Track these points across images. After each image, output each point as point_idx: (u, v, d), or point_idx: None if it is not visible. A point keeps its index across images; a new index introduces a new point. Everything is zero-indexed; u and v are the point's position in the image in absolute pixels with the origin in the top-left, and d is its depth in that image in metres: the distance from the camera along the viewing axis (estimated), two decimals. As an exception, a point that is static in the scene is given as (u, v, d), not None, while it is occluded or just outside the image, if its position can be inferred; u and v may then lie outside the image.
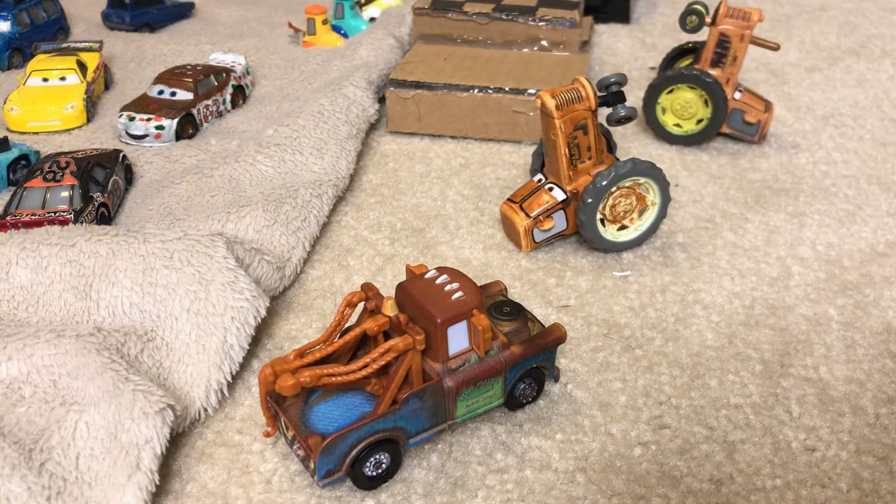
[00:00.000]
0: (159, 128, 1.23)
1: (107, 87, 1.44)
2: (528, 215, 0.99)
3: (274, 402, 0.71)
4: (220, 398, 0.79)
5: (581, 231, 0.99)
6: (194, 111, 1.27)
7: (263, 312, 0.83)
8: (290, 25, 1.68)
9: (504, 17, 1.41)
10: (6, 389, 0.74)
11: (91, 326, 0.78)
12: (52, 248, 0.84)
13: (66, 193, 1.00)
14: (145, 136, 1.23)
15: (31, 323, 0.82)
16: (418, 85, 1.27)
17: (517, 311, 0.79)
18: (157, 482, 0.68)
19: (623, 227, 1.01)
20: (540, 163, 1.06)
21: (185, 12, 1.81)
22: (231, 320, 0.80)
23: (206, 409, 0.78)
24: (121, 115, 1.24)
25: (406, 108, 1.29)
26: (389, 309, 0.72)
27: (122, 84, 1.47)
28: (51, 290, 0.84)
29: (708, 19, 1.21)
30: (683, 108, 1.24)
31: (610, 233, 1.00)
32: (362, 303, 0.78)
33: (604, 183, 0.96)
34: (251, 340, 0.83)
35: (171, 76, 1.31)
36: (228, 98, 1.34)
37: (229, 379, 0.79)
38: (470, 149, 1.27)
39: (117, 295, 0.82)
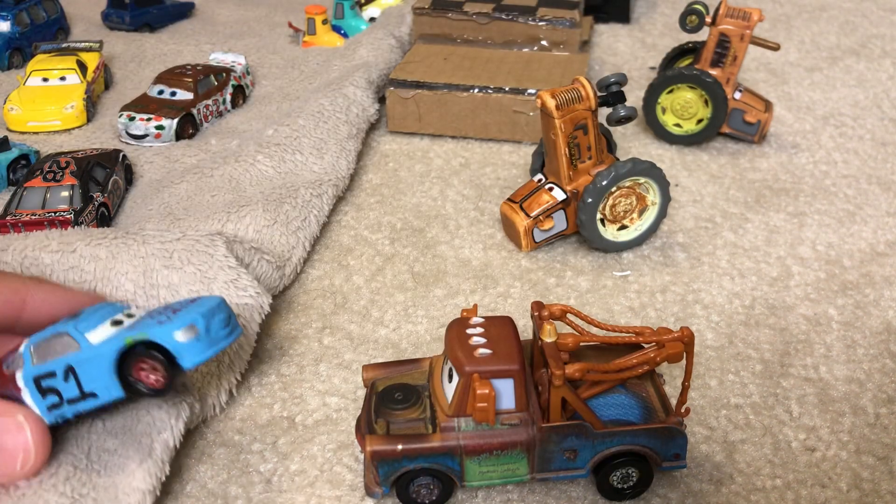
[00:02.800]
0: (159, 127, 1.23)
1: (107, 87, 1.44)
2: (528, 215, 0.99)
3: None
4: (229, 397, 0.79)
5: (581, 231, 0.99)
6: (194, 111, 1.27)
7: (267, 309, 0.83)
8: (291, 25, 1.68)
9: (504, 16, 1.41)
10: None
11: None
12: (54, 254, 0.84)
13: (66, 193, 1.00)
14: (145, 135, 1.23)
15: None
16: (418, 85, 1.27)
17: (411, 398, 0.69)
18: (168, 472, 0.69)
19: (623, 227, 1.01)
20: (540, 163, 1.06)
21: (185, 12, 1.81)
22: (237, 318, 0.80)
23: (215, 408, 0.78)
24: (121, 115, 1.24)
25: (406, 107, 1.29)
26: (548, 334, 0.66)
27: (122, 84, 1.47)
28: None
29: (708, 19, 1.21)
30: (683, 107, 1.24)
31: (610, 232, 1.00)
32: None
33: (604, 183, 0.96)
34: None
35: (171, 76, 1.31)
36: (228, 98, 1.34)
37: (239, 378, 0.80)
38: (470, 149, 1.27)
39: (121, 298, 0.82)
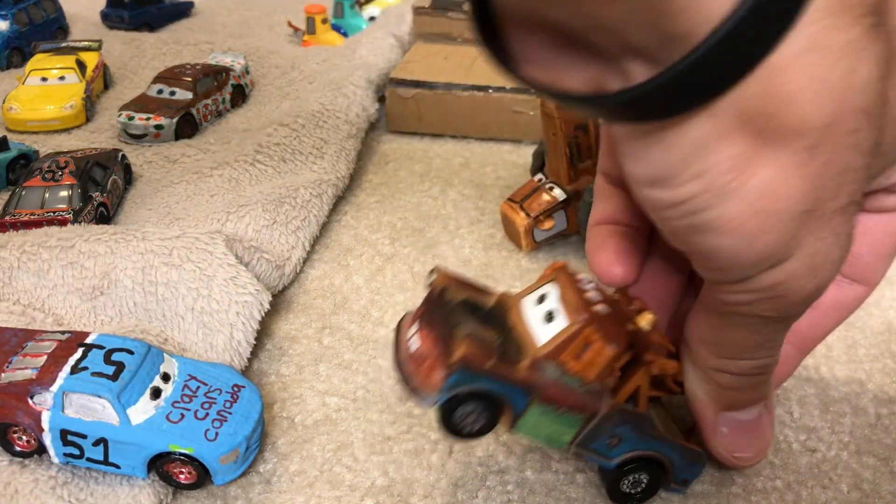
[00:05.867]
0: (158, 127, 1.23)
1: (106, 87, 1.44)
2: (528, 215, 0.99)
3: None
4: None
5: (581, 231, 0.98)
6: (193, 110, 1.27)
7: (267, 306, 0.83)
8: (290, 24, 1.68)
9: (504, 16, 1.41)
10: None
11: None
12: (53, 250, 0.84)
13: (65, 193, 1.00)
14: (144, 135, 1.23)
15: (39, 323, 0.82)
16: (418, 84, 1.27)
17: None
18: (171, 499, 0.69)
19: (623, 227, 1.00)
20: (540, 162, 1.06)
21: (185, 11, 1.81)
22: (236, 315, 0.80)
23: None
24: (120, 115, 1.24)
25: (406, 107, 1.28)
26: (647, 322, 0.62)
27: (122, 83, 1.47)
28: (55, 294, 0.84)
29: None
30: (684, 107, 1.24)
31: (610, 233, 1.00)
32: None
33: (604, 183, 0.95)
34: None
35: (170, 75, 1.31)
36: (228, 97, 1.34)
37: (236, 378, 0.79)
38: (470, 148, 1.27)
39: (121, 295, 0.82)
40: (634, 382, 0.62)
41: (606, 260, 0.61)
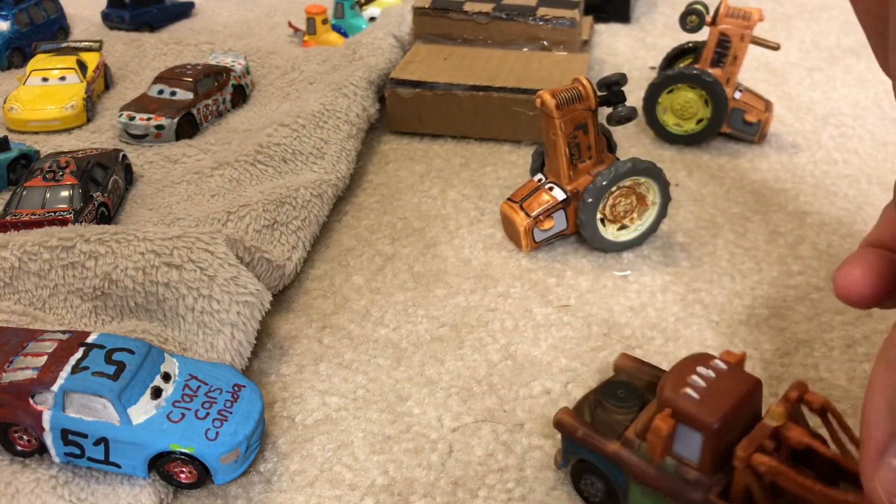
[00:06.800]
0: (159, 127, 1.23)
1: (107, 87, 1.44)
2: (528, 215, 0.99)
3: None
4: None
5: (581, 231, 0.99)
6: (194, 111, 1.27)
7: (268, 306, 0.83)
8: (290, 25, 1.68)
9: (504, 16, 1.41)
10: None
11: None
12: (54, 250, 0.84)
13: (66, 193, 1.00)
14: (145, 135, 1.23)
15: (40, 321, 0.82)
16: (418, 84, 1.27)
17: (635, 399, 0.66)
18: (171, 499, 0.70)
19: (623, 227, 1.01)
20: (540, 162, 1.06)
21: (186, 12, 1.81)
22: (237, 315, 0.80)
23: None
24: (121, 115, 1.24)
25: (406, 107, 1.29)
26: (773, 417, 0.58)
27: (122, 83, 1.47)
28: (56, 294, 0.84)
29: (708, 19, 1.21)
30: (684, 107, 1.24)
31: (610, 232, 1.00)
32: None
33: (604, 182, 0.96)
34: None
35: (170, 75, 1.31)
36: (228, 98, 1.34)
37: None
38: (470, 148, 1.27)
39: (122, 295, 0.82)
40: (739, 479, 0.58)
41: (850, 275, 0.54)
